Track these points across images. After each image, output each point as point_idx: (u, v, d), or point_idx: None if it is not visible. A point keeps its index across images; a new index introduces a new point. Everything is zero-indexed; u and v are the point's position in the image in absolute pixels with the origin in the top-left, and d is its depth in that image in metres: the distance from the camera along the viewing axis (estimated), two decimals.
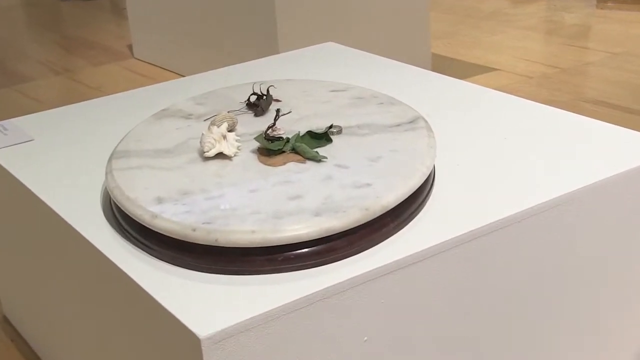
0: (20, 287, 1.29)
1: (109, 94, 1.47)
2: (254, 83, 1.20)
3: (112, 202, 0.99)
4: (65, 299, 1.10)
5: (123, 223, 0.94)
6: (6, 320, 1.42)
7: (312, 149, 0.99)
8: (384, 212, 0.89)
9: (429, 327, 0.91)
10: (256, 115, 1.13)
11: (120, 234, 0.94)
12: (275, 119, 1.06)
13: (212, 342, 0.77)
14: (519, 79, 2.40)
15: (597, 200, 1.00)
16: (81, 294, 1.03)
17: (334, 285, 0.82)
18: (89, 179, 1.08)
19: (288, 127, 1.07)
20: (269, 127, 1.04)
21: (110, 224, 0.97)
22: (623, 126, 1.15)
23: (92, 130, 1.26)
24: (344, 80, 1.30)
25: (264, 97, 1.15)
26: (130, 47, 2.99)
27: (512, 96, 1.29)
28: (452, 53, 2.68)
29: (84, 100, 1.42)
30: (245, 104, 1.16)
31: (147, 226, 0.89)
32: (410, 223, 0.93)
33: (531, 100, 1.27)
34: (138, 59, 2.90)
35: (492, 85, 2.26)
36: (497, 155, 1.08)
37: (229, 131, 1.04)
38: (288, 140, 1.01)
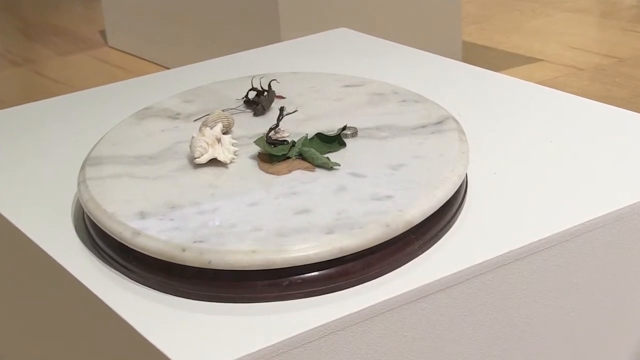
0: None
1: (78, 90, 1.48)
2: (253, 77, 1.22)
3: (85, 217, 1.00)
4: (30, 329, 1.11)
5: (99, 242, 0.96)
6: None
7: (322, 154, 1.01)
8: (408, 228, 0.90)
9: None
10: (256, 114, 1.14)
11: (95, 254, 0.95)
12: (279, 119, 1.07)
13: None
14: (567, 71, 2.41)
15: None
16: (49, 323, 1.05)
17: (348, 315, 0.83)
18: (57, 190, 1.09)
19: (294, 129, 1.08)
20: (271, 129, 1.05)
21: (84, 242, 0.98)
22: None
23: (59, 132, 1.28)
24: (359, 74, 1.31)
25: (265, 93, 1.16)
26: (103, 33, 3.01)
27: (559, 92, 1.30)
28: (487, 40, 2.69)
29: (48, 97, 1.44)
30: (242, 102, 1.17)
31: (128, 245, 0.91)
32: (439, 242, 0.94)
33: (582, 96, 1.28)
34: (113, 48, 2.91)
35: (535, 78, 2.27)
36: (541, 162, 1.09)
37: (224, 133, 1.05)
38: (294, 144, 1.02)
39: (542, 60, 2.50)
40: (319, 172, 0.99)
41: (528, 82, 1.35)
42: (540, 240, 0.93)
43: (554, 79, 2.34)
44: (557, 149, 1.12)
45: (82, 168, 1.04)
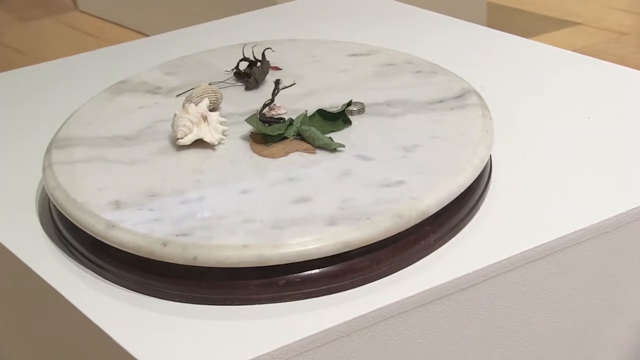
0: None
1: (43, 61, 1.49)
2: (244, 45, 1.22)
3: (52, 207, 1.01)
4: (6, 329, 1.12)
5: (67, 236, 0.96)
6: None
7: (324, 133, 1.01)
8: (423, 219, 0.91)
9: None
10: (248, 88, 1.15)
11: (63, 250, 0.96)
12: (274, 94, 1.07)
13: None
14: (608, 37, 2.41)
15: None
16: (20, 325, 1.05)
17: (354, 319, 0.84)
18: (19, 176, 1.10)
19: (291, 105, 1.08)
20: (265, 105, 1.06)
21: (50, 236, 0.99)
22: None
23: (21, 110, 1.28)
24: (367, 41, 1.32)
25: (258, 63, 1.16)
26: None
27: (600, 61, 1.30)
28: (515, 1, 2.68)
29: (9, 69, 1.44)
30: (232, 74, 1.18)
31: (101, 240, 0.91)
32: (458, 235, 0.94)
33: (626, 66, 1.28)
34: (83, 12, 2.91)
35: (571, 45, 2.27)
36: (576, 141, 1.09)
37: (211, 110, 1.06)
38: (292, 122, 1.03)
39: (579, 24, 2.50)
40: (321, 155, 0.99)
41: (563, 49, 1.35)
42: (575, 232, 0.94)
43: (594, 46, 2.33)
44: (595, 127, 1.12)
45: (48, 151, 1.04)
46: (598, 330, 1.00)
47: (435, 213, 0.92)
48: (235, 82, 1.16)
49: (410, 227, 0.90)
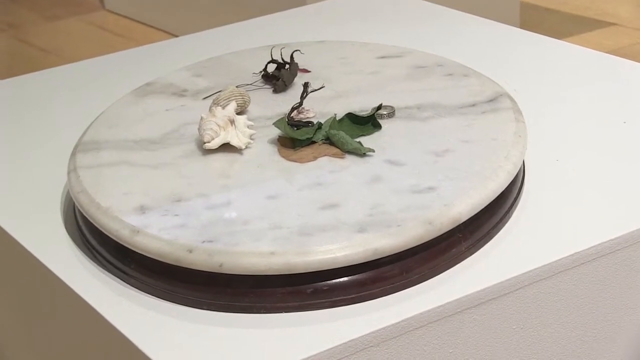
0: None
1: (69, 61, 1.49)
2: (273, 46, 1.22)
3: (76, 211, 1.01)
4: (25, 334, 1.12)
5: (92, 241, 0.96)
6: None
7: (353, 138, 1.01)
8: (454, 226, 0.90)
9: None
10: (276, 91, 1.14)
11: (88, 256, 0.96)
12: (303, 97, 1.07)
13: None
14: None
15: None
16: (41, 330, 1.06)
17: (383, 329, 0.83)
18: (44, 180, 1.10)
19: (320, 108, 1.08)
20: (293, 108, 1.05)
21: (75, 241, 0.99)
22: None
23: (46, 111, 1.28)
24: (397, 42, 1.31)
25: (287, 66, 1.16)
26: None
27: (635, 63, 1.29)
28: (548, 1, 2.67)
29: (34, 70, 1.44)
30: (260, 76, 1.18)
31: (126, 246, 0.91)
32: (490, 242, 0.94)
33: None
34: (110, 11, 2.92)
35: (606, 46, 2.26)
36: (611, 147, 1.08)
37: (239, 113, 1.05)
38: (320, 126, 1.02)
39: (614, 24, 2.49)
40: (350, 160, 0.99)
41: (598, 51, 1.34)
42: (610, 240, 0.93)
43: (630, 47, 2.32)
44: (631, 132, 1.11)
45: (73, 154, 1.04)
46: (633, 340, 0.99)
47: (467, 220, 0.91)
48: (263, 84, 1.16)
49: (441, 234, 0.89)
